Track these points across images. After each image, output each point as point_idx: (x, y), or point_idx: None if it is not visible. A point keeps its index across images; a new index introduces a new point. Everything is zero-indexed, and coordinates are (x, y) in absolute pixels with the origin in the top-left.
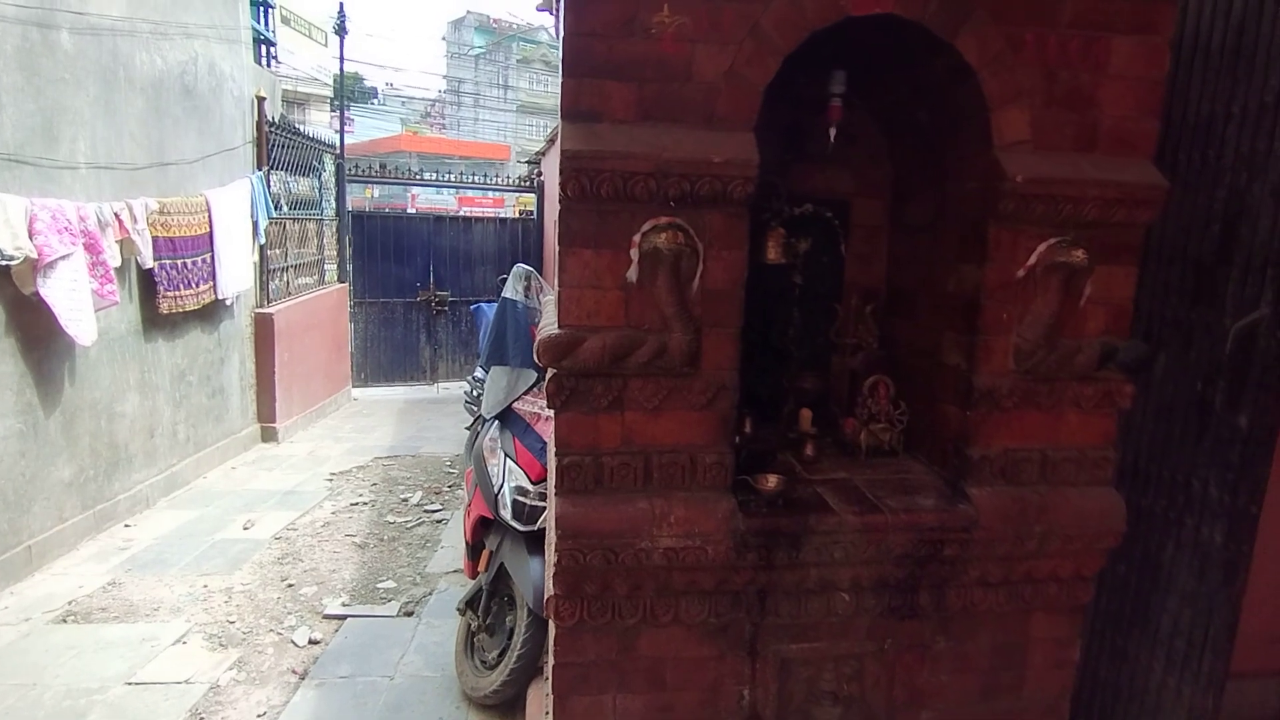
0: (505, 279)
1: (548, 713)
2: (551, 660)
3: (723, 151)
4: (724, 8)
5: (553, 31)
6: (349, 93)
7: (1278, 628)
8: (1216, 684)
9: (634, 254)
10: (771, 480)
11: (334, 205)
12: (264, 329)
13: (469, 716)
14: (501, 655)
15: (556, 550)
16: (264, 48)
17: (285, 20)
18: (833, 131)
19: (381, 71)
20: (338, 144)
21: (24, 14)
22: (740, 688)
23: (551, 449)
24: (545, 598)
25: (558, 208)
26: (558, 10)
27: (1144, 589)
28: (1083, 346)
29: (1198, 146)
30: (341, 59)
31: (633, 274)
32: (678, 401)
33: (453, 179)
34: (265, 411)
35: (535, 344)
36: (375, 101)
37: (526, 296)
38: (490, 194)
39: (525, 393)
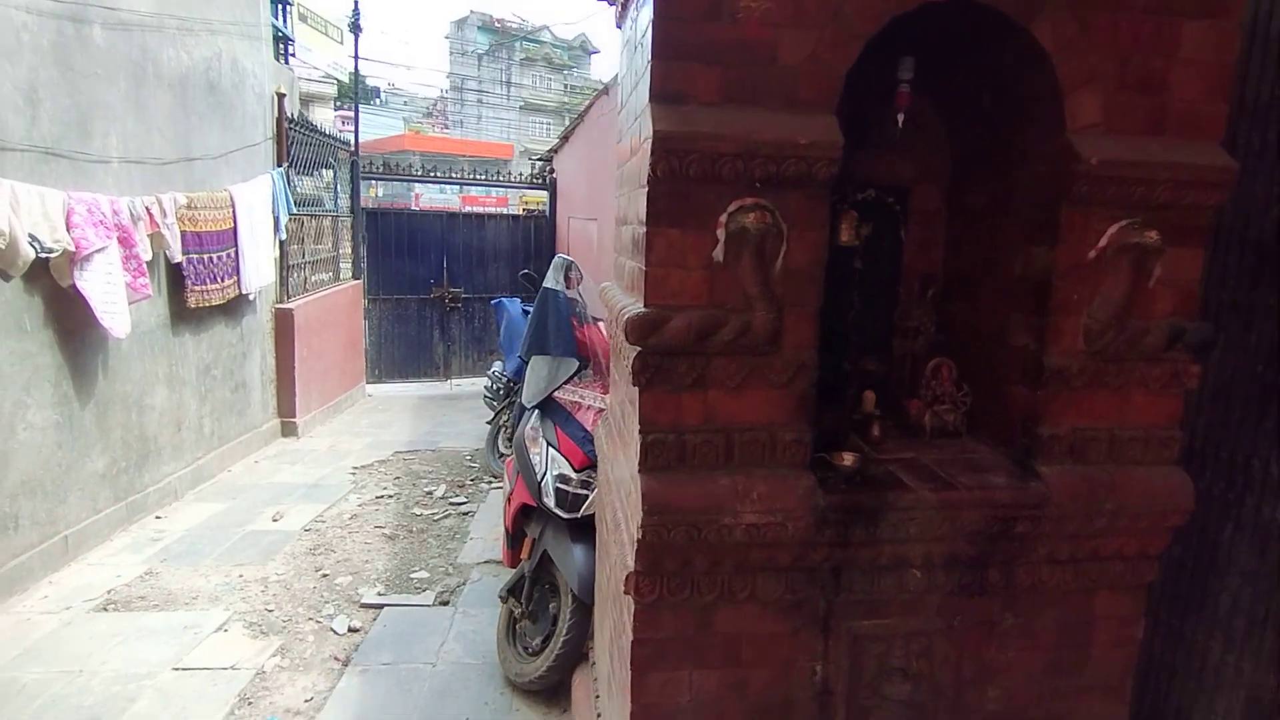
0: (529, 273)
1: (597, 695)
2: (630, 636)
3: (808, 133)
4: None
5: (555, 32)
6: (353, 92)
7: None
8: (1278, 661)
9: (720, 234)
10: (848, 458)
11: (348, 202)
12: (284, 324)
13: (513, 702)
14: (545, 642)
15: (640, 527)
16: (282, 44)
17: (302, 17)
18: (900, 117)
19: (385, 71)
20: (351, 142)
21: (60, 8)
22: (813, 664)
23: (604, 434)
24: (625, 574)
25: (581, 203)
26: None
27: (1201, 569)
28: (1151, 328)
29: (1257, 130)
30: (356, 56)
31: (718, 254)
32: (759, 380)
33: (458, 177)
34: (285, 406)
35: (621, 324)
36: (377, 101)
37: (567, 286)
38: (494, 192)
39: (566, 381)
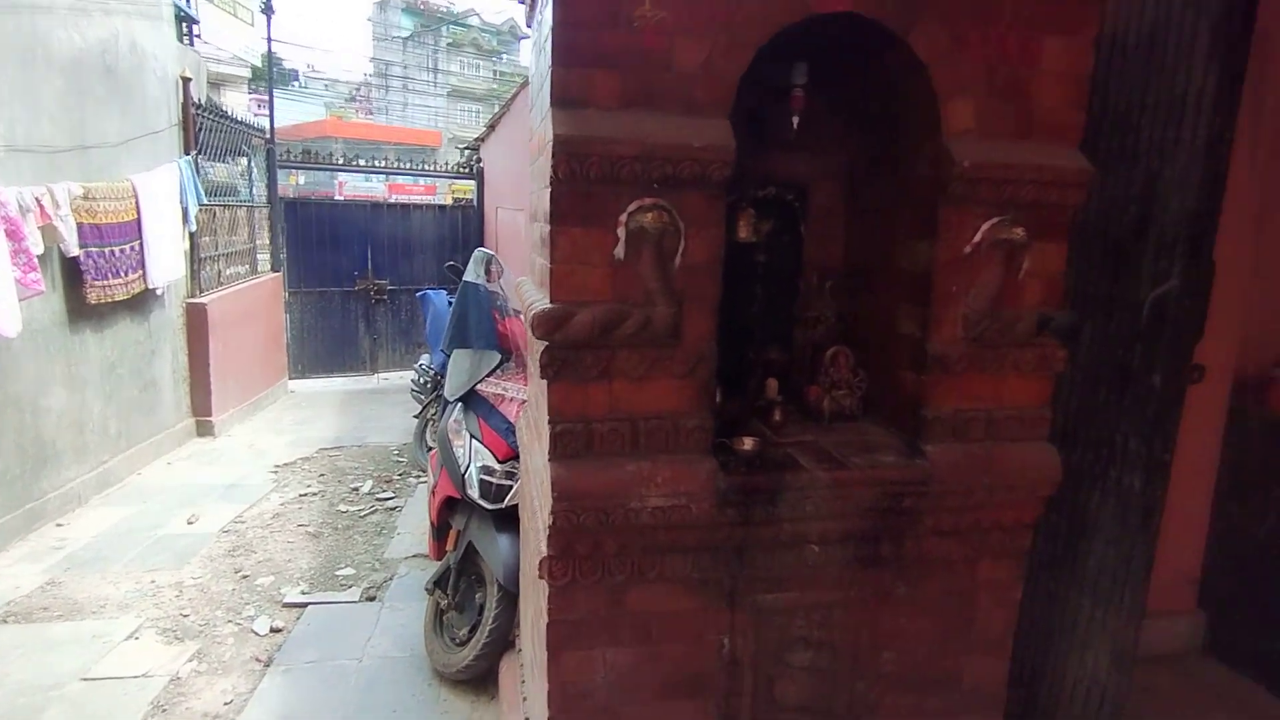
0: (454, 265)
1: (523, 680)
2: (545, 619)
3: (702, 137)
4: (700, 3)
5: (483, 17)
6: (268, 77)
7: (1192, 570)
8: (1137, 615)
9: (620, 233)
10: (748, 442)
11: (265, 192)
12: (197, 319)
13: (441, 693)
14: (472, 631)
15: (551, 513)
16: (186, 26)
17: None
18: (795, 119)
19: (306, 53)
20: (266, 128)
21: None
22: (721, 637)
23: (524, 426)
24: (539, 559)
25: (508, 194)
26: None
27: (1073, 536)
28: (1022, 316)
29: (1116, 135)
30: (270, 39)
31: (619, 251)
32: (661, 371)
33: (384, 166)
34: (200, 405)
35: (526, 319)
36: (296, 84)
37: (488, 280)
38: (422, 181)
39: (489, 374)
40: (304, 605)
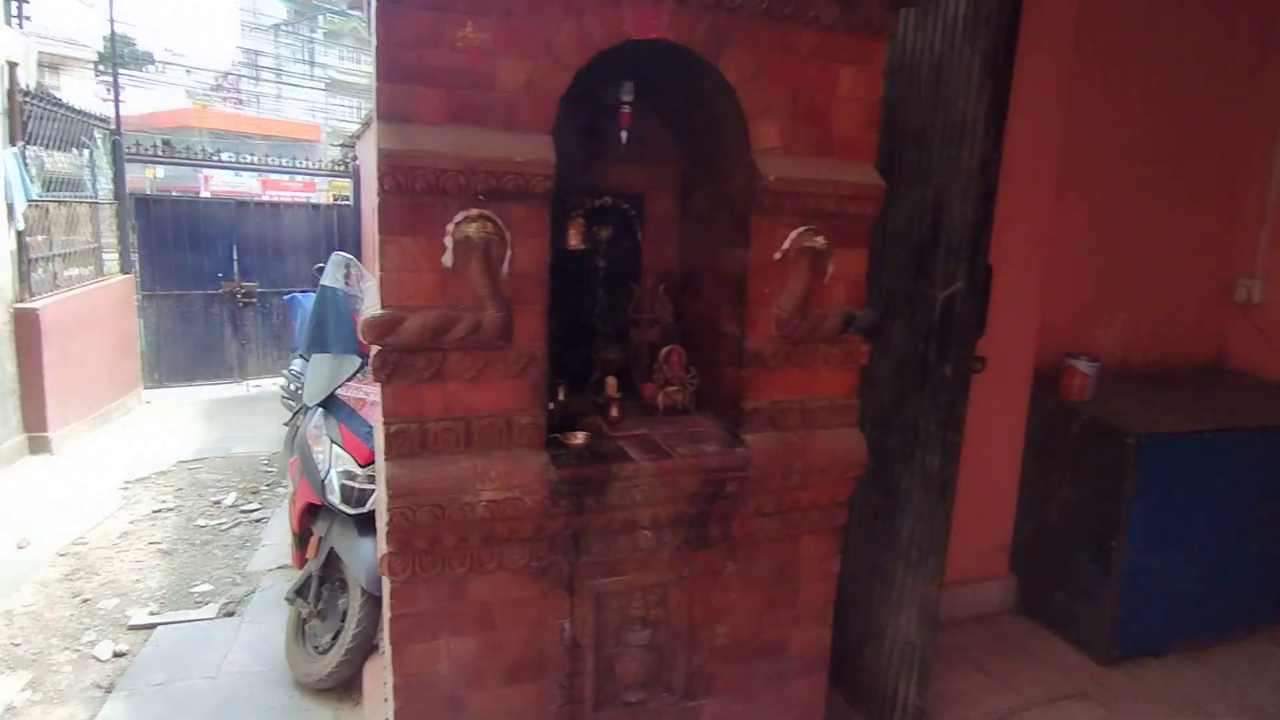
0: (323, 268)
1: (385, 683)
2: (388, 614)
3: (524, 152)
4: (522, 27)
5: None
6: (112, 65)
7: (997, 542)
8: (938, 577)
9: (448, 241)
10: (579, 437)
11: (111, 187)
12: (27, 327)
13: (303, 703)
14: (335, 638)
15: (389, 510)
16: (15, 6)
17: None
18: (624, 134)
19: (164, 34)
20: (112, 117)
21: None
22: (561, 621)
23: (378, 423)
24: (380, 555)
25: (377, 196)
26: (368, 10)
27: (890, 512)
28: (828, 315)
29: (913, 153)
30: (112, 21)
31: (448, 259)
32: (494, 371)
33: (254, 160)
34: (34, 420)
35: (359, 325)
36: (152, 67)
37: (346, 284)
38: (299, 178)
39: (349, 379)
40: (152, 626)
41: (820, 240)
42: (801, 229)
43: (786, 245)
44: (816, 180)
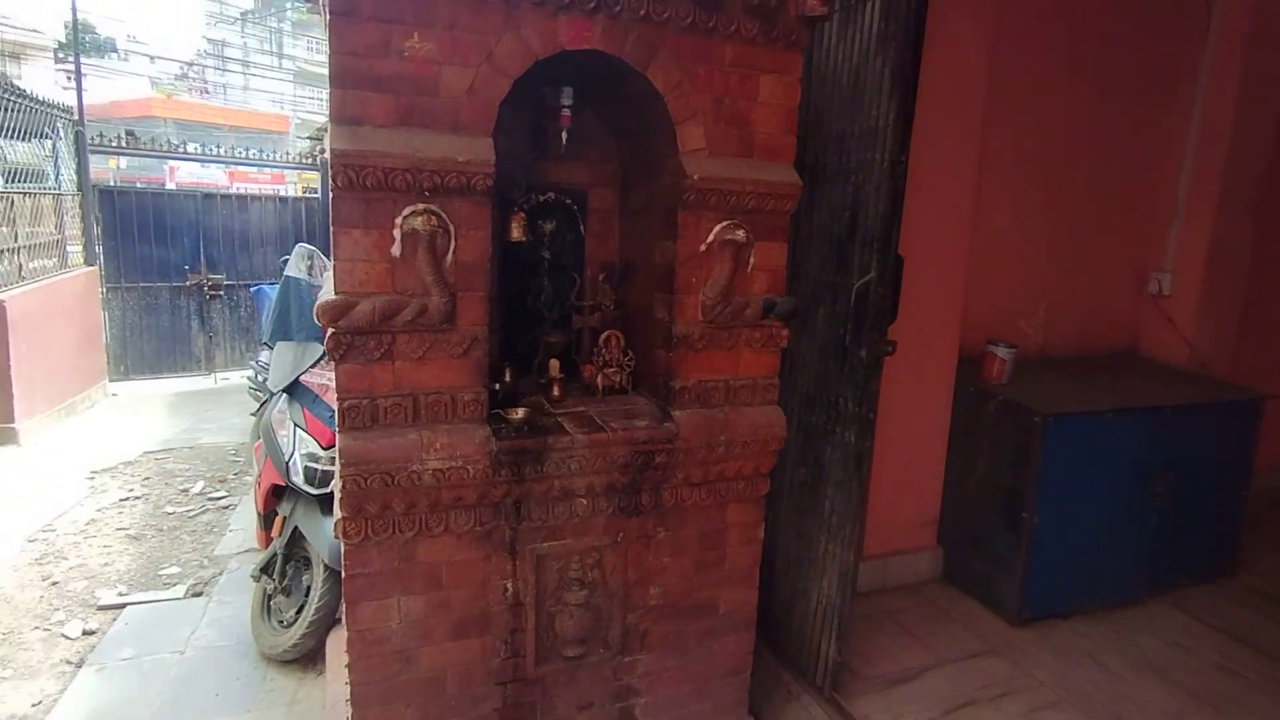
0: (288, 259)
1: (345, 651)
2: (344, 574)
3: (466, 153)
4: (464, 38)
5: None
6: (74, 54)
7: (925, 516)
8: (855, 542)
9: (396, 233)
10: (519, 412)
11: (75, 178)
12: None
13: (268, 673)
14: (299, 613)
15: (341, 477)
16: None
17: None
18: (564, 135)
19: (125, 22)
20: (74, 107)
21: None
22: (504, 581)
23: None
24: (334, 520)
25: (330, 192)
26: (325, 18)
27: (815, 484)
28: (750, 302)
29: (834, 154)
30: (75, 10)
31: (396, 250)
32: (439, 352)
33: (221, 152)
34: (0, 411)
35: (315, 308)
36: (114, 55)
37: (310, 274)
38: (267, 170)
39: (312, 366)
40: (121, 606)
41: (741, 234)
42: (724, 223)
43: (711, 238)
44: (738, 179)
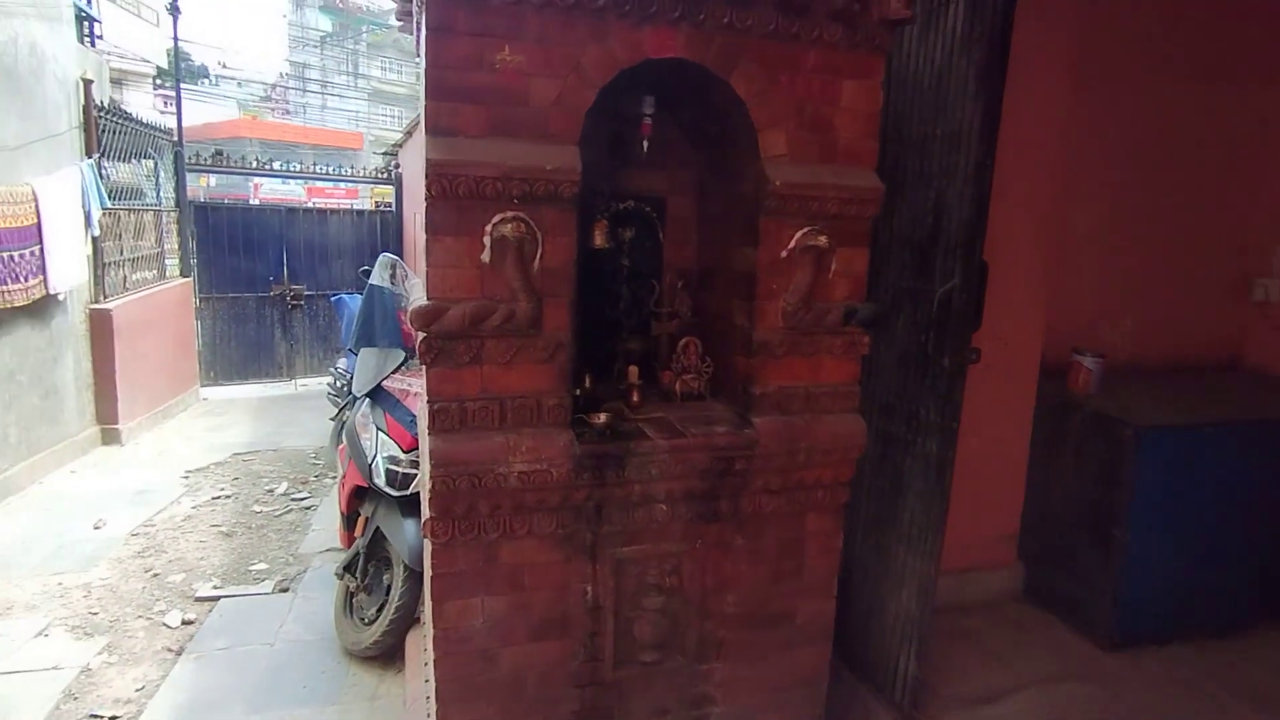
0: (369, 269)
1: (426, 649)
2: (429, 573)
3: (553, 161)
4: (552, 49)
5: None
6: (175, 82)
7: (1005, 530)
8: (936, 555)
9: (486, 240)
10: (601, 417)
11: (173, 195)
12: (101, 326)
13: (350, 668)
14: (380, 611)
15: (431, 478)
16: (88, 26)
17: None
18: (645, 143)
19: (218, 52)
20: (174, 130)
21: None
22: (584, 585)
23: (423, 416)
24: (423, 521)
25: (422, 200)
26: (418, 36)
27: (894, 495)
28: (831, 308)
29: (915, 158)
30: (176, 40)
31: (486, 256)
32: (525, 356)
33: (301, 169)
34: (106, 412)
35: (408, 313)
36: (206, 81)
37: (392, 283)
38: (343, 185)
39: (394, 371)
40: (216, 599)
41: (823, 240)
42: (806, 229)
43: (792, 244)
44: (820, 185)
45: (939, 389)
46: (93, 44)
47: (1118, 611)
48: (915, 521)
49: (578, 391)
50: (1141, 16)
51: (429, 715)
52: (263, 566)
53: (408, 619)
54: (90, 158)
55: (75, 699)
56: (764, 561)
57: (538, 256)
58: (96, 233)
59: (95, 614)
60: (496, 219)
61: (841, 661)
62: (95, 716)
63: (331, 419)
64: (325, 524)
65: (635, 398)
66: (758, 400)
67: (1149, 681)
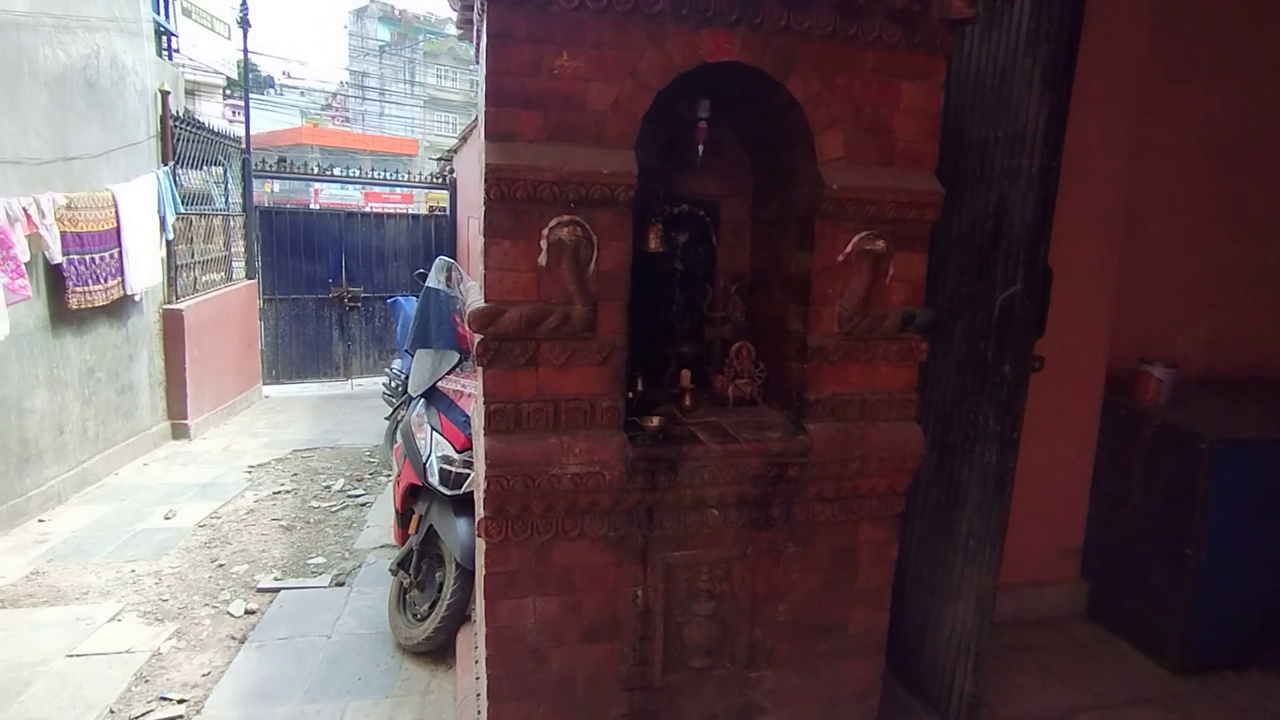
0: (424, 272)
1: (477, 646)
2: (482, 572)
3: (610, 165)
4: (609, 54)
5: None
6: (244, 92)
7: (1067, 544)
8: (994, 568)
9: (543, 244)
10: (654, 420)
11: (240, 201)
12: (173, 325)
13: (403, 662)
14: (432, 607)
15: (486, 478)
16: (165, 40)
17: (186, 12)
18: (700, 147)
19: (282, 62)
20: (242, 138)
21: None
22: (635, 588)
23: (477, 416)
24: (476, 520)
25: (477, 204)
26: (478, 43)
27: (950, 506)
28: (888, 313)
29: (975, 161)
30: (246, 51)
31: (543, 259)
32: (580, 359)
33: (360, 174)
34: (176, 408)
35: (466, 315)
36: (271, 90)
37: (448, 286)
38: (399, 190)
39: (448, 372)
40: (277, 590)
41: (881, 244)
42: (863, 233)
43: (849, 249)
44: (878, 188)
45: (999, 397)
46: (170, 57)
47: (1190, 633)
48: (973, 533)
49: (630, 395)
50: (1217, 3)
51: (479, 712)
52: (320, 560)
53: (459, 616)
54: (166, 165)
55: (146, 681)
56: (816, 570)
57: (593, 260)
58: (170, 237)
59: (165, 601)
60: (553, 222)
61: (894, 675)
62: (165, 699)
63: (386, 418)
64: (380, 521)
65: (687, 401)
66: (811, 406)
67: (1225, 709)
